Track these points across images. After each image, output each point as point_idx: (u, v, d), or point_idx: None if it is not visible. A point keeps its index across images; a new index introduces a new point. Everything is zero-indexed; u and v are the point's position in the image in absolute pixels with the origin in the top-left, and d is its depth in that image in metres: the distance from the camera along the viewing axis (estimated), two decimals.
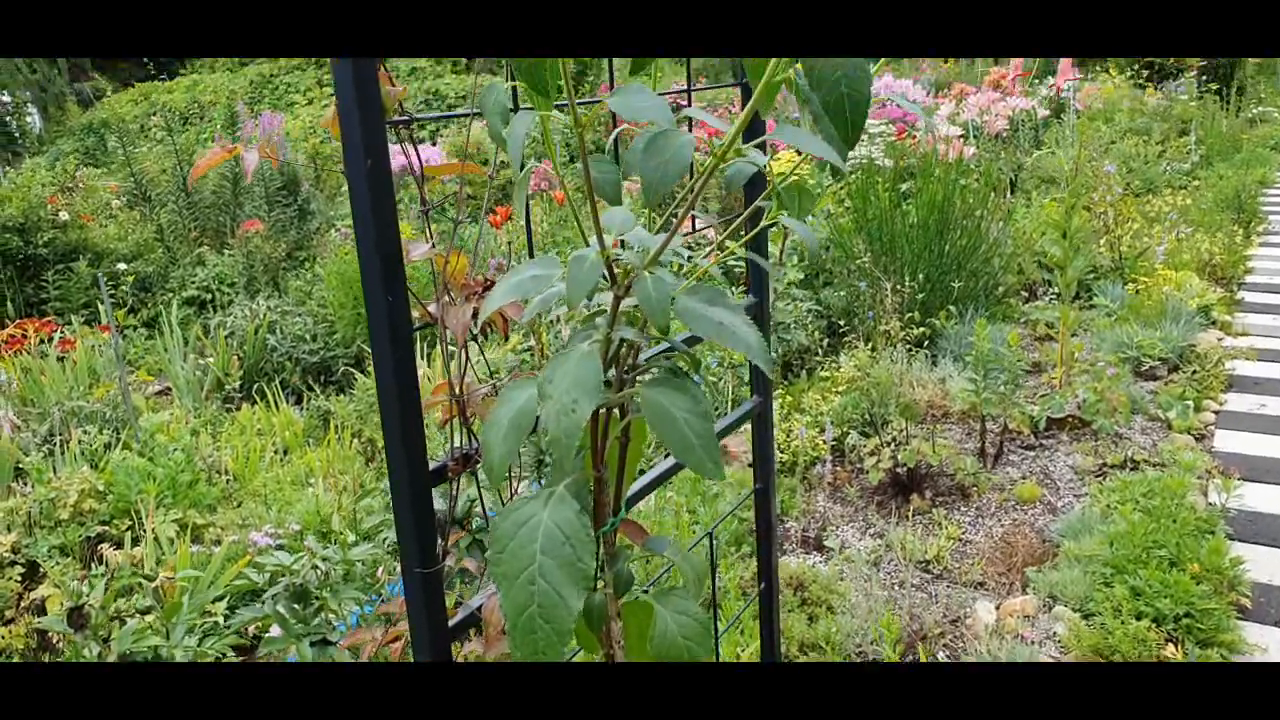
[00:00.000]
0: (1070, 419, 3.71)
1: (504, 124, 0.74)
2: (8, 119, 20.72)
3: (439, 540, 0.94)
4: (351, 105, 0.75)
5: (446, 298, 0.88)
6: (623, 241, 0.76)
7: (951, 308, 4.32)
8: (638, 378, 0.80)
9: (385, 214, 0.77)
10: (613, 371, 0.77)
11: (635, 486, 1.06)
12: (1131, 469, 3.26)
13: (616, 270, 0.74)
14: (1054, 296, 4.84)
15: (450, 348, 0.91)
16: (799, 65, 0.63)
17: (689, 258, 0.78)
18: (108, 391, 4.52)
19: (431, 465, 0.89)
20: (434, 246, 0.88)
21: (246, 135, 7.92)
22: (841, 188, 5.56)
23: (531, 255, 0.86)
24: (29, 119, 20.30)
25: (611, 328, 0.74)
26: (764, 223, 0.83)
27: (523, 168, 0.74)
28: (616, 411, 0.81)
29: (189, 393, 5.02)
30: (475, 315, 0.86)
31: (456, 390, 0.91)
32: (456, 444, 0.91)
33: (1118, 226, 5.31)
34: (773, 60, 0.64)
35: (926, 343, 4.28)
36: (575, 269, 0.70)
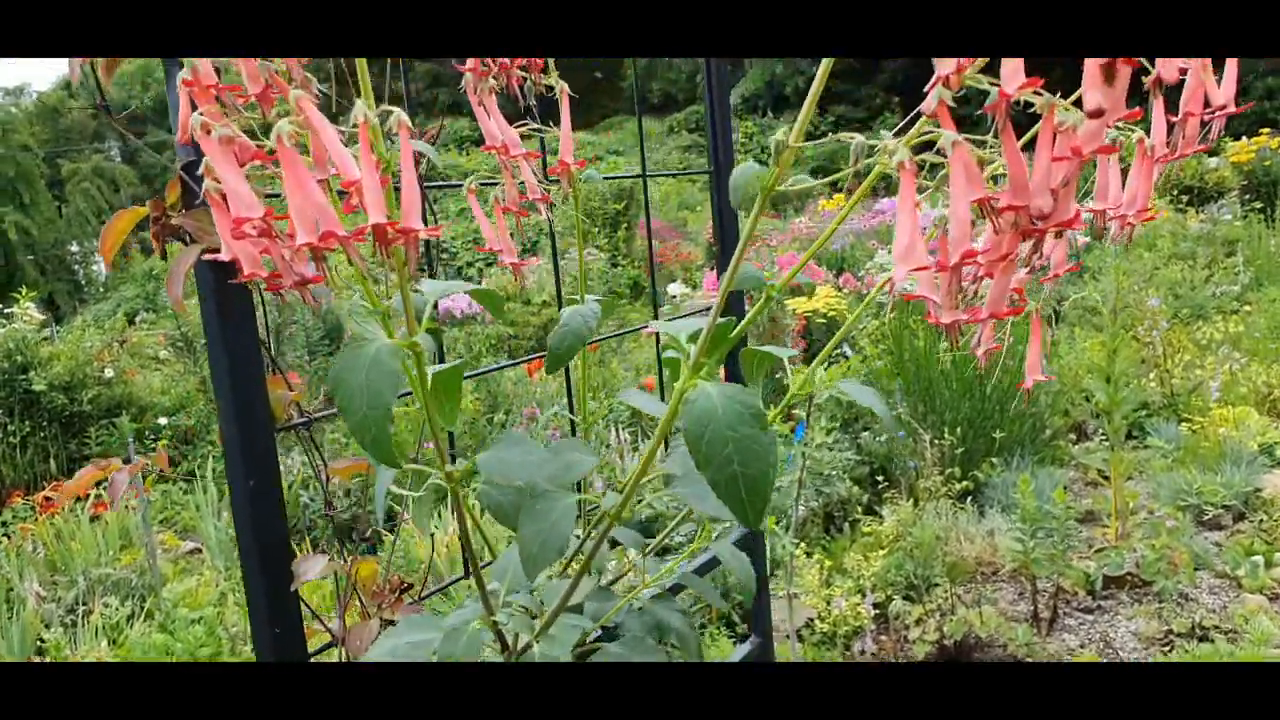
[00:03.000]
0: (1129, 576, 3.47)
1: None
2: (76, 268, 21.68)
3: None
4: (230, 413, 0.67)
5: (358, 605, 0.79)
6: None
7: (995, 459, 4.14)
8: None
9: (271, 534, 0.68)
10: None
11: None
12: (1200, 639, 3.01)
13: (507, 634, 0.63)
14: (1104, 437, 4.63)
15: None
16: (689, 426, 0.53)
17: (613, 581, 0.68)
18: (135, 558, 4.47)
19: None
20: (333, 559, 0.79)
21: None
22: (879, 325, 5.46)
23: (475, 572, 0.75)
24: (95, 267, 21.20)
25: None
26: (695, 554, 0.73)
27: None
28: None
29: (220, 553, 4.96)
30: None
31: None
32: None
33: (1167, 359, 5.11)
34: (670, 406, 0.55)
35: (971, 495, 4.09)
36: (448, 645, 0.59)
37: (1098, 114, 0.43)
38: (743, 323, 0.65)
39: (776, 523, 3.48)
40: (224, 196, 0.51)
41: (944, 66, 0.45)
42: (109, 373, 6.54)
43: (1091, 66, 0.43)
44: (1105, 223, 0.63)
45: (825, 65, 0.52)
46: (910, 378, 4.37)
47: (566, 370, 1.11)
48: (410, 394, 0.71)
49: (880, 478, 4.20)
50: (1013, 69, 0.44)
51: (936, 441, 3.99)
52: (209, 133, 0.50)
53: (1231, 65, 0.65)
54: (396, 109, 0.54)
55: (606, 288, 8.46)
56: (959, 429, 4.11)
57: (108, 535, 4.83)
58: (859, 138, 0.49)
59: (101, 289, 19.71)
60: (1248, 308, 6.91)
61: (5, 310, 6.87)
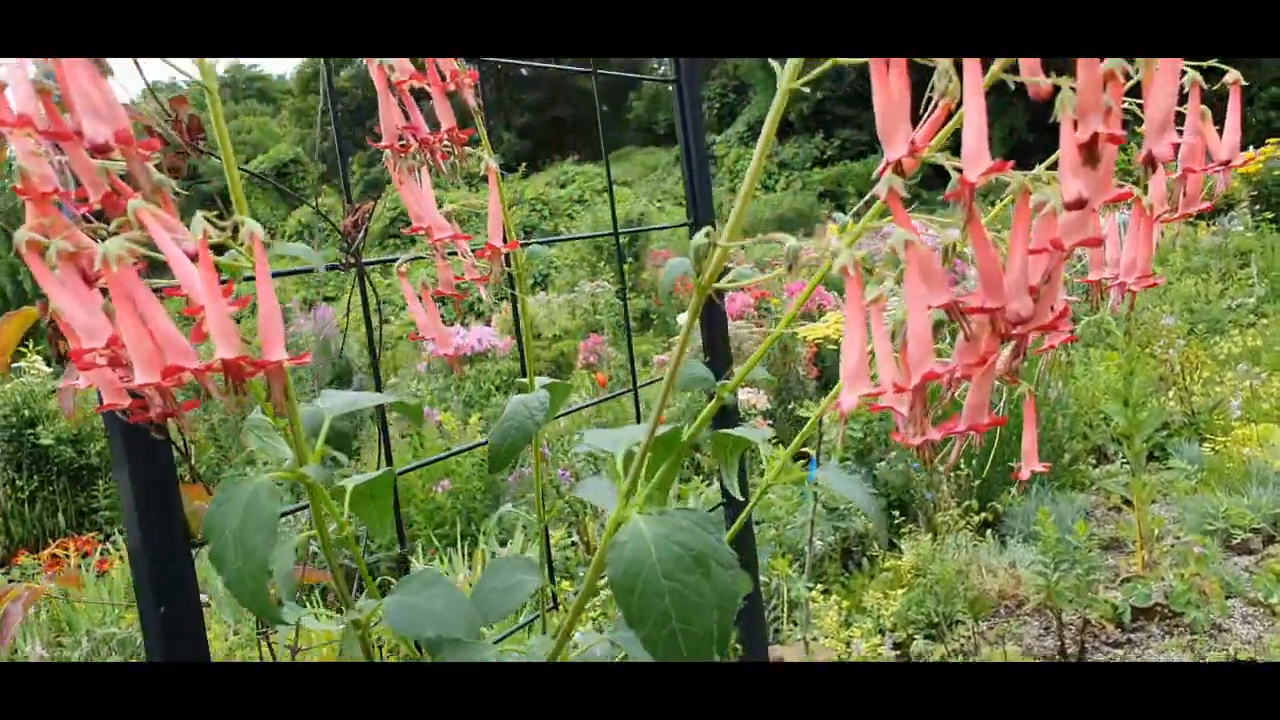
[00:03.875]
0: (1158, 607, 3.35)
1: None
2: None
3: None
4: (137, 534, 0.60)
5: None
6: None
7: (1013, 488, 4.04)
8: None
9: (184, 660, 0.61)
10: None
11: None
12: None
13: None
14: (1125, 460, 4.51)
15: None
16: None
17: None
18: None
19: None
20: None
21: (299, 329, 8.09)
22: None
23: None
24: None
25: None
26: None
27: None
28: None
29: (229, 607, 4.88)
30: None
31: None
32: None
33: (1185, 376, 5.00)
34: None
35: (991, 525, 3.99)
36: None
37: (1078, 205, 0.36)
38: (692, 428, 0.58)
39: (791, 564, 3.39)
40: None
41: (894, 149, 0.38)
42: None
43: (1068, 148, 0.36)
44: (1103, 292, 0.56)
45: (792, 65, 0.45)
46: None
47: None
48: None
49: (897, 511, 4.10)
50: (975, 150, 0.37)
51: (953, 472, 3.89)
52: (41, 253, 0.43)
53: (1234, 114, 0.58)
54: (250, 220, 0.47)
55: (615, 320, 8.44)
56: (974, 458, 4.01)
57: (113, 593, 4.77)
58: (791, 240, 0.42)
59: None
60: (1265, 320, 6.78)
61: (14, 365, 6.87)
